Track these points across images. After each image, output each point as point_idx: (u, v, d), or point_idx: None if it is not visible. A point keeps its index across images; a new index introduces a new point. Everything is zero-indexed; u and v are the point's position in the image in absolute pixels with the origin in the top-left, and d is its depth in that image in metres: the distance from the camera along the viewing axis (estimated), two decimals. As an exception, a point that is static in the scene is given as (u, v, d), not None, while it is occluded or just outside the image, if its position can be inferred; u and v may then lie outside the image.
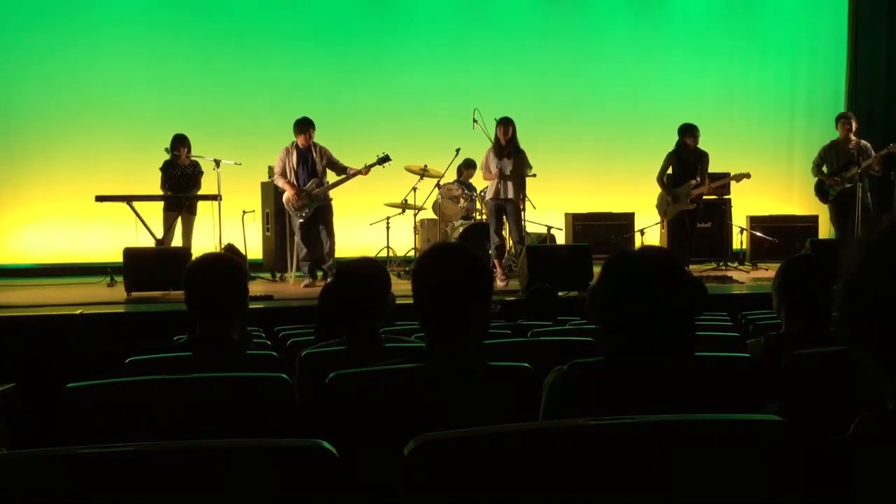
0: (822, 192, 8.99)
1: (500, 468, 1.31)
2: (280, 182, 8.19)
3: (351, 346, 2.76)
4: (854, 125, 8.76)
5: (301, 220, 8.09)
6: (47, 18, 10.04)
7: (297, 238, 8.23)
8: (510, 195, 8.09)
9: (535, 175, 8.53)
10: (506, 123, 8.08)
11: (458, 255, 2.26)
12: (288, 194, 8.11)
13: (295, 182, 8.08)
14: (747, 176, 8.76)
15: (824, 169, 8.89)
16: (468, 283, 2.20)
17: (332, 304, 2.94)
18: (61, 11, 10.09)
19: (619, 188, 10.91)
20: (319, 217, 8.13)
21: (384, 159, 8.27)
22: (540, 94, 10.82)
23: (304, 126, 8.08)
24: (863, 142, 8.82)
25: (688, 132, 8.54)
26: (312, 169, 8.12)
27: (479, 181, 9.47)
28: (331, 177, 8.22)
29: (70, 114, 10.09)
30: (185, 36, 10.35)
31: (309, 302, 6.00)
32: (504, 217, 8.22)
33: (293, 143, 8.14)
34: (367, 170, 8.19)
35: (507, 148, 8.07)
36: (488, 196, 8.24)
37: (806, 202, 11.31)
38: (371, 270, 2.96)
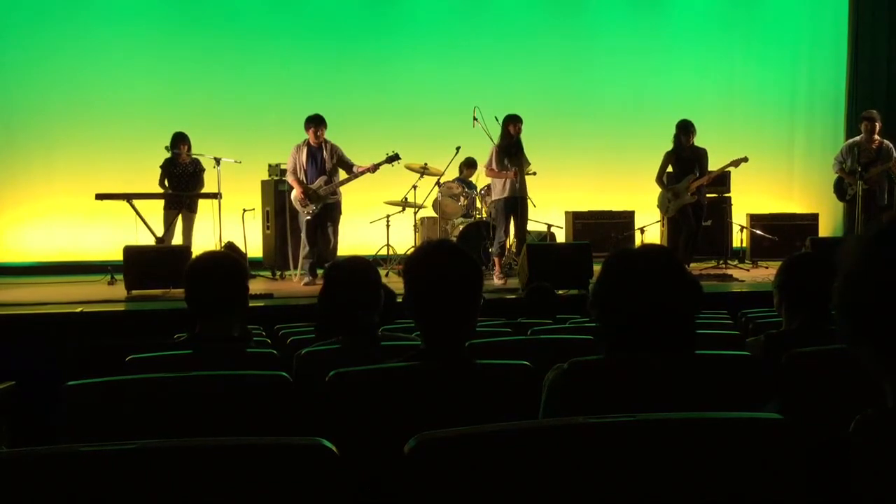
0: (840, 190, 8.98)
1: (500, 466, 1.31)
2: (290, 179, 8.21)
3: (347, 345, 2.76)
4: (877, 125, 8.73)
5: (308, 218, 8.10)
6: (48, 17, 10.04)
7: (302, 235, 8.23)
8: (525, 192, 8.10)
9: (535, 173, 8.54)
10: (518, 121, 8.07)
11: (448, 254, 2.26)
12: (295, 192, 8.12)
13: (304, 179, 8.09)
14: (745, 160, 8.70)
15: (845, 167, 8.86)
16: (458, 281, 2.20)
17: (327, 303, 2.94)
18: (62, 10, 10.09)
19: (620, 186, 10.91)
20: (327, 215, 8.13)
21: (393, 158, 8.27)
22: (540, 92, 10.81)
23: (309, 122, 8.08)
24: (885, 142, 8.79)
25: (681, 129, 8.52)
26: (322, 166, 8.12)
27: (480, 179, 9.47)
28: (341, 175, 8.23)
29: (70, 112, 10.09)
30: (186, 34, 10.35)
31: (309, 300, 6.00)
32: (512, 215, 8.20)
33: (305, 140, 8.15)
34: (375, 168, 8.18)
35: (516, 145, 8.07)
36: (501, 194, 8.11)
37: (806, 200, 11.34)
38: (359, 268, 2.96)
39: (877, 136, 8.75)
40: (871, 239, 1.20)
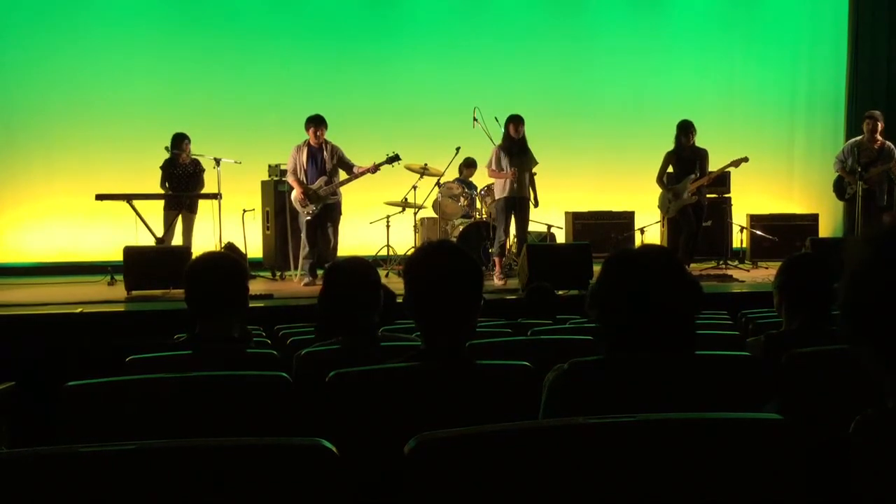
0: (840, 189, 8.98)
1: (500, 467, 1.31)
2: (290, 179, 8.21)
3: (347, 346, 2.76)
4: (880, 125, 8.73)
5: (308, 218, 8.10)
6: (48, 17, 10.04)
7: (302, 235, 8.24)
8: (524, 193, 8.10)
9: (535, 174, 8.54)
10: (518, 121, 8.07)
11: (449, 254, 2.26)
12: (295, 192, 8.13)
13: (304, 180, 8.09)
14: (745, 160, 8.71)
15: (846, 166, 8.87)
16: (458, 282, 2.20)
17: (327, 304, 2.94)
18: (62, 10, 10.09)
19: (620, 186, 10.91)
20: (327, 215, 8.13)
21: (394, 158, 8.27)
22: (540, 93, 10.81)
23: (309, 122, 8.09)
24: (887, 143, 8.78)
25: (682, 129, 8.53)
26: (322, 167, 8.12)
27: (479, 179, 9.47)
28: (342, 175, 8.23)
29: (70, 112, 10.09)
30: (186, 34, 10.35)
31: (309, 300, 6.00)
32: (512, 215, 8.19)
33: (305, 140, 8.15)
34: (375, 168, 8.19)
35: (518, 145, 8.07)
36: (501, 194, 8.12)
37: (806, 200, 11.34)
38: (359, 268, 2.97)
39: (879, 137, 8.75)
40: (873, 240, 1.20)
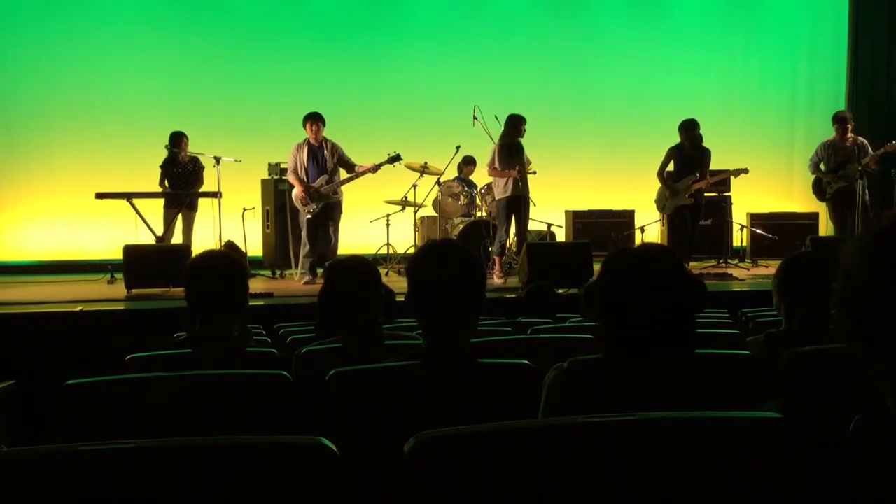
0: (819, 190, 9.00)
1: (500, 465, 1.31)
2: (290, 178, 8.21)
3: (349, 344, 2.76)
4: (850, 125, 8.75)
5: (308, 217, 8.10)
6: (48, 16, 10.04)
7: (303, 234, 8.24)
8: (526, 192, 8.10)
9: (535, 172, 8.53)
10: (525, 120, 8.05)
11: (452, 253, 2.27)
12: (296, 191, 8.13)
13: (304, 178, 8.09)
14: (745, 171, 8.75)
15: (822, 167, 8.89)
16: (461, 281, 2.21)
17: (327, 302, 2.94)
18: (62, 10, 10.09)
19: (620, 185, 10.91)
20: (328, 214, 8.13)
21: (395, 158, 8.27)
22: (540, 91, 10.81)
23: (307, 119, 8.09)
24: (860, 139, 8.79)
25: (683, 128, 8.52)
26: (323, 165, 8.12)
27: (479, 178, 9.47)
28: (342, 174, 8.23)
29: (70, 111, 10.09)
30: (186, 33, 10.36)
31: (309, 299, 6.00)
32: (513, 214, 8.18)
33: (305, 139, 8.15)
34: (376, 168, 8.18)
35: (517, 144, 8.07)
36: (503, 193, 8.06)
37: (806, 199, 11.30)
38: (359, 267, 2.97)
39: (850, 134, 8.75)
40: (871, 238, 1.20)
